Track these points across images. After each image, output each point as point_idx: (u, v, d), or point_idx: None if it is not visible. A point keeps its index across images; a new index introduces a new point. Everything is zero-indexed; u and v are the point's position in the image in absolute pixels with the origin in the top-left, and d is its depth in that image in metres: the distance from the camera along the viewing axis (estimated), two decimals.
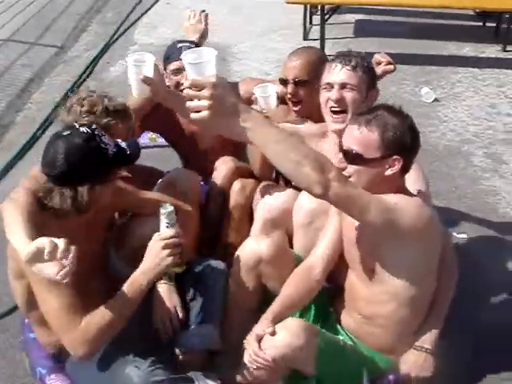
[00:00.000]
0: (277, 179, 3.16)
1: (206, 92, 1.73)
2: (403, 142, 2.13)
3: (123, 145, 2.23)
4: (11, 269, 2.33)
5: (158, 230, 2.23)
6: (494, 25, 6.43)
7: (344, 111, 2.50)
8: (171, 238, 2.17)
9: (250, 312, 2.57)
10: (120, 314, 2.16)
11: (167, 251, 2.15)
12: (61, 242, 1.88)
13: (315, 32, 6.35)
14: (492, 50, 6.10)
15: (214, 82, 1.75)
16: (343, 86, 2.50)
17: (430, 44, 6.23)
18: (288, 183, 3.07)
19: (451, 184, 4.05)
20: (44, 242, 1.87)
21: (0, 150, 4.67)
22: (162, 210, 2.19)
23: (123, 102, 2.66)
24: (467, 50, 6.13)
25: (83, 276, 2.12)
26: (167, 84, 3.00)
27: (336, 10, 6.63)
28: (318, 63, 2.91)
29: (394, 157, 2.13)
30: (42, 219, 2.16)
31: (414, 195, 2.24)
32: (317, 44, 5.98)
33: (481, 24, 6.67)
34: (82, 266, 2.12)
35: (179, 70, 3.03)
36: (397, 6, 6.51)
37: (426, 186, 2.50)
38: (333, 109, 2.52)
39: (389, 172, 2.14)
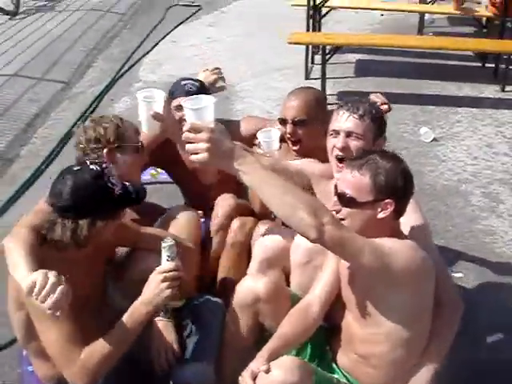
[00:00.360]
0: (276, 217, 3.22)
1: (203, 135, 1.86)
2: (395, 185, 2.18)
3: (130, 188, 2.29)
4: (12, 299, 2.35)
5: (158, 265, 2.28)
6: (493, 65, 6.53)
7: None
8: (171, 271, 2.22)
9: (245, 349, 2.57)
10: (119, 345, 2.20)
11: (166, 284, 2.20)
12: (51, 276, 1.95)
13: (317, 71, 6.44)
14: (491, 91, 6.19)
15: (212, 126, 1.89)
16: (349, 134, 2.53)
17: (431, 84, 6.33)
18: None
19: (449, 223, 4.09)
20: (37, 275, 1.95)
21: (3, 183, 4.72)
22: (164, 244, 2.25)
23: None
24: (467, 90, 6.22)
25: (83, 308, 2.17)
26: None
27: (337, 50, 6.74)
28: (316, 103, 2.99)
29: (387, 200, 2.17)
30: (42, 253, 2.20)
31: (408, 238, 2.28)
32: (318, 83, 6.07)
33: (480, 65, 6.78)
34: (82, 299, 2.19)
35: (182, 107, 3.09)
36: (397, 47, 6.62)
37: (426, 226, 2.54)
38: (338, 156, 2.56)
39: (381, 215, 2.18)
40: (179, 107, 3.12)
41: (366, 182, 2.17)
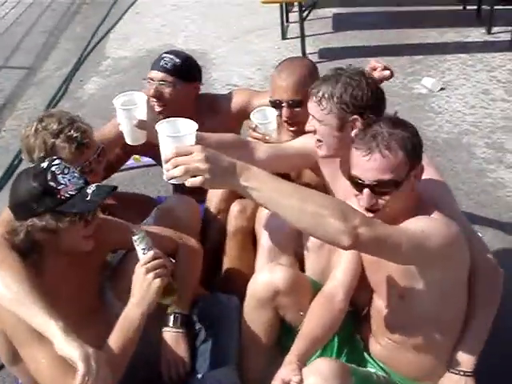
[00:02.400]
0: None
1: (198, 156, 1.66)
2: (420, 145, 2.01)
3: (90, 189, 2.02)
4: None
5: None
6: (475, 8, 6.26)
7: None
8: (151, 260, 1.98)
9: (267, 348, 2.37)
10: (118, 359, 1.96)
11: (152, 274, 1.97)
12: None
13: (293, 30, 6.17)
14: (477, 34, 5.94)
15: (202, 145, 1.71)
16: (312, 118, 2.31)
17: (412, 32, 6.06)
18: None
19: (456, 179, 3.85)
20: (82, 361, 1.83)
21: None
22: (134, 237, 2.00)
23: (87, 128, 2.40)
24: (451, 35, 5.96)
25: (77, 320, 1.96)
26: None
27: (314, 5, 6.43)
28: (310, 77, 2.62)
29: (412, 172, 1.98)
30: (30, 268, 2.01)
31: (435, 207, 2.04)
32: (296, 42, 5.82)
33: (461, 8, 6.52)
34: (76, 310, 2.03)
35: (151, 80, 2.88)
36: None
37: (445, 185, 2.30)
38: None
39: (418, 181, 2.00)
40: (150, 80, 2.89)
41: (399, 157, 1.92)
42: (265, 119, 2.71)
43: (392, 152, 1.92)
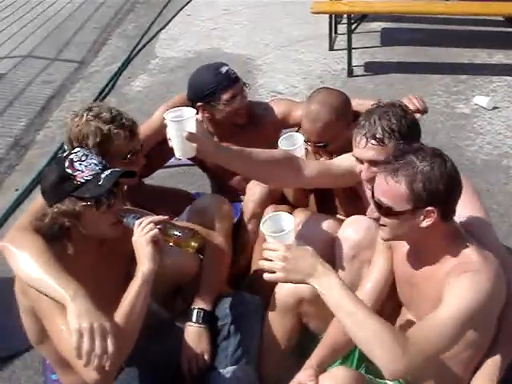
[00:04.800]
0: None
1: (280, 254, 1.89)
2: (436, 191, 1.88)
3: (104, 174, 2.09)
4: (21, 304, 2.20)
5: (184, 259, 2.25)
6: None
7: None
8: (138, 226, 2.08)
9: (286, 352, 2.42)
10: (134, 324, 2.00)
11: (142, 234, 2.05)
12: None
13: (341, 41, 6.18)
14: None
15: (289, 244, 1.96)
16: (372, 163, 2.24)
17: (459, 52, 6.01)
18: (321, 210, 2.90)
19: (492, 201, 3.83)
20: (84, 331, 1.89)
21: (19, 171, 4.55)
22: (125, 220, 2.13)
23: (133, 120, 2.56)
24: (499, 57, 5.90)
25: (100, 305, 1.98)
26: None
27: (363, 18, 6.44)
28: (338, 118, 2.65)
29: (428, 208, 1.90)
30: (56, 250, 2.11)
31: (471, 240, 2.01)
32: (342, 54, 5.84)
33: (510, 30, 6.45)
34: (100, 295, 2.04)
35: (235, 96, 2.94)
36: (424, 14, 6.30)
37: (486, 218, 2.29)
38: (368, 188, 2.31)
39: (425, 224, 1.92)
40: (233, 98, 2.93)
41: (402, 191, 1.89)
42: (292, 145, 2.75)
43: (396, 182, 1.90)
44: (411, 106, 2.60)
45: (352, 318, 1.80)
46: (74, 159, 2.11)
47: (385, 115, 2.24)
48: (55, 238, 2.14)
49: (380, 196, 1.94)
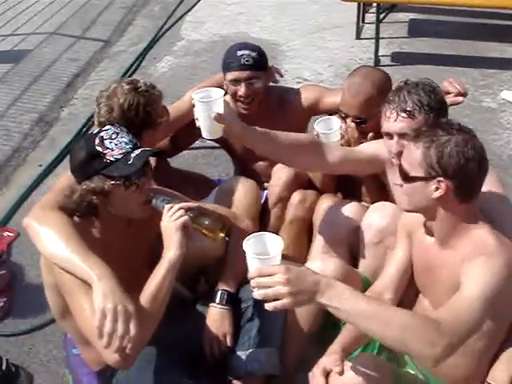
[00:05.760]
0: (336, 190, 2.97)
1: (280, 278, 1.66)
2: (447, 163, 1.89)
3: (134, 153, 2.07)
4: (45, 281, 2.22)
5: (209, 242, 2.17)
6: None
7: None
8: (168, 211, 2.08)
9: (310, 336, 2.41)
10: (154, 305, 2.00)
11: (172, 220, 2.05)
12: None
13: (368, 31, 6.12)
14: None
15: (286, 265, 1.70)
16: (402, 135, 2.24)
17: (487, 46, 5.93)
18: (348, 196, 2.89)
19: None
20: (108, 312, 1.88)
21: (42, 147, 4.57)
22: (154, 202, 2.12)
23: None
24: None
25: (123, 284, 1.98)
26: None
27: (392, 8, 6.37)
28: (378, 96, 2.58)
29: (439, 179, 1.90)
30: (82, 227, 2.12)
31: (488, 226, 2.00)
32: (370, 43, 5.78)
33: None
34: (126, 273, 2.04)
35: (237, 81, 2.90)
36: (454, 6, 6.21)
37: (509, 204, 2.27)
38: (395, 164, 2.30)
39: (436, 194, 1.91)
40: (234, 81, 2.91)
41: (417, 156, 1.92)
42: (328, 129, 2.73)
43: (415, 146, 1.93)
44: (452, 89, 2.61)
45: (375, 321, 1.71)
46: (105, 137, 2.08)
47: (414, 90, 2.28)
48: (83, 216, 2.14)
49: (402, 160, 1.98)
